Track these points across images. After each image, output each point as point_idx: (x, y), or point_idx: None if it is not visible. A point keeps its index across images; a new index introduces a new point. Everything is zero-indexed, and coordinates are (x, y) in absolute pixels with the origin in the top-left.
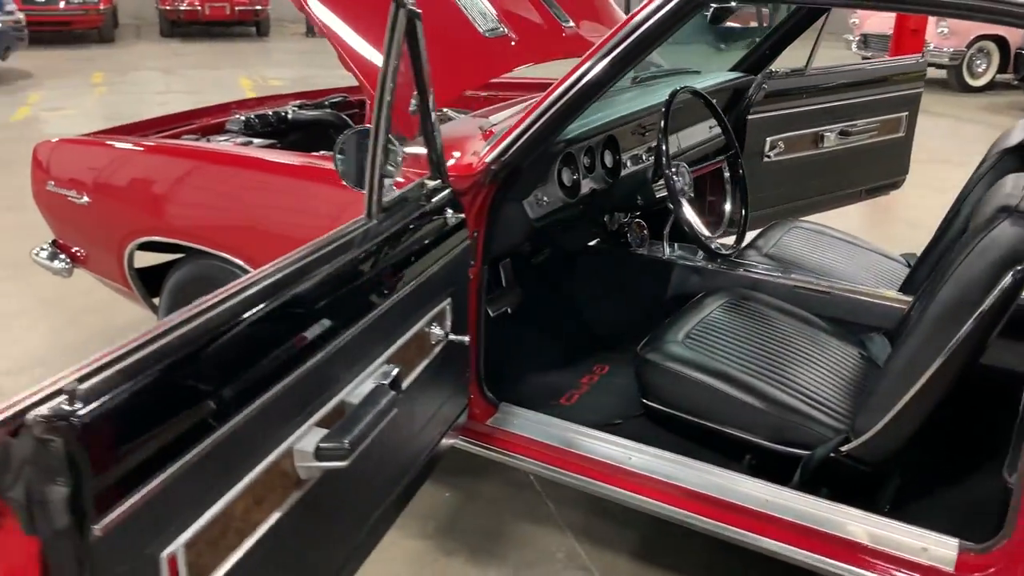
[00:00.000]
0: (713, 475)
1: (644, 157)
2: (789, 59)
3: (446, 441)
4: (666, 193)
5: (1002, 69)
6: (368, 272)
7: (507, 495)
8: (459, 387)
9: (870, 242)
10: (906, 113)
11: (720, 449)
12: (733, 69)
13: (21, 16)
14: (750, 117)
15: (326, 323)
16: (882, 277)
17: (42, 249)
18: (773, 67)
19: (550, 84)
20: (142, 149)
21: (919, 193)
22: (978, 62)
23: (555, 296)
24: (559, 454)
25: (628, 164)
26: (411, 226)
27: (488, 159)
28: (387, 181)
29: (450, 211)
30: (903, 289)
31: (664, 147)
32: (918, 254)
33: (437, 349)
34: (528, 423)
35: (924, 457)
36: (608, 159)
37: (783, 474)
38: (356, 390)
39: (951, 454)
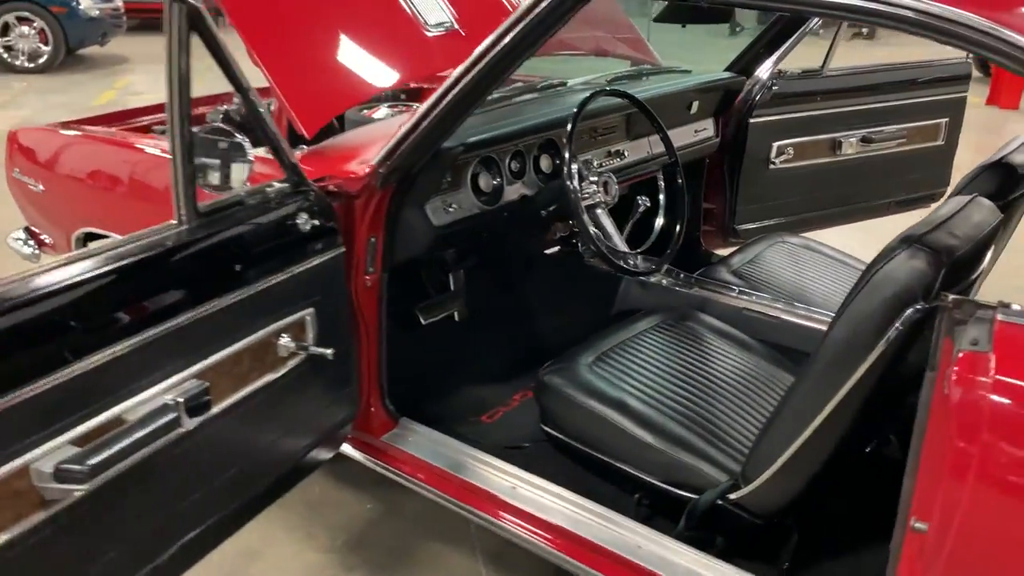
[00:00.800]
0: (594, 516)
1: (597, 163)
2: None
3: (321, 454)
4: (593, 202)
5: None
6: (162, 280)
7: (431, 512)
8: (337, 400)
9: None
10: (946, 119)
11: (616, 484)
12: (727, 69)
13: (120, 3)
14: (753, 120)
15: (95, 332)
16: None
17: (18, 234)
18: (783, 67)
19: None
20: (84, 140)
21: None
22: None
23: (505, 305)
24: (446, 479)
25: (579, 169)
26: (239, 232)
27: (374, 161)
28: (234, 181)
29: (306, 216)
30: None
31: (567, 153)
32: None
33: (294, 362)
34: (423, 442)
35: (835, 508)
36: (545, 163)
37: (677, 518)
38: (140, 407)
39: (866, 506)
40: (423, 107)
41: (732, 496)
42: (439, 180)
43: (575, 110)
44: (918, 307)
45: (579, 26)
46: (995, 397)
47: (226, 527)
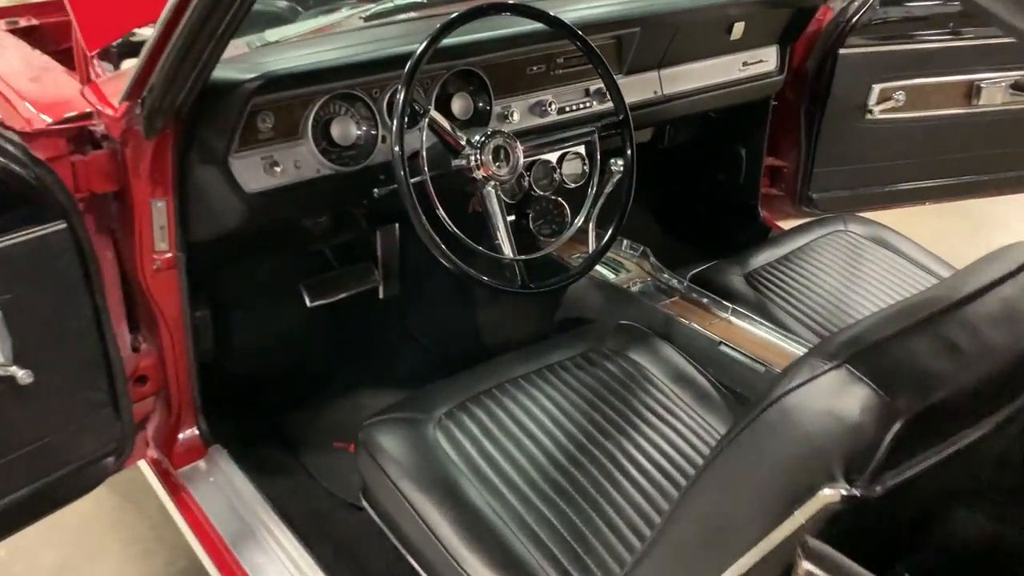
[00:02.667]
0: None
1: (517, 113)
2: None
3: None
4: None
5: None
6: None
7: None
8: (87, 423)
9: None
10: None
11: None
12: None
13: None
14: (844, 51)
15: None
16: None
17: None
18: None
19: None
20: None
21: None
22: None
23: (444, 285)
24: (219, 552)
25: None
26: None
27: (120, 99)
28: None
29: None
30: None
31: (401, 96)
32: None
33: None
34: (219, 488)
35: None
36: (460, 106)
37: None
38: None
39: None
40: (164, 12)
41: None
42: (230, 127)
43: (427, 39)
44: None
45: None
46: None
47: None
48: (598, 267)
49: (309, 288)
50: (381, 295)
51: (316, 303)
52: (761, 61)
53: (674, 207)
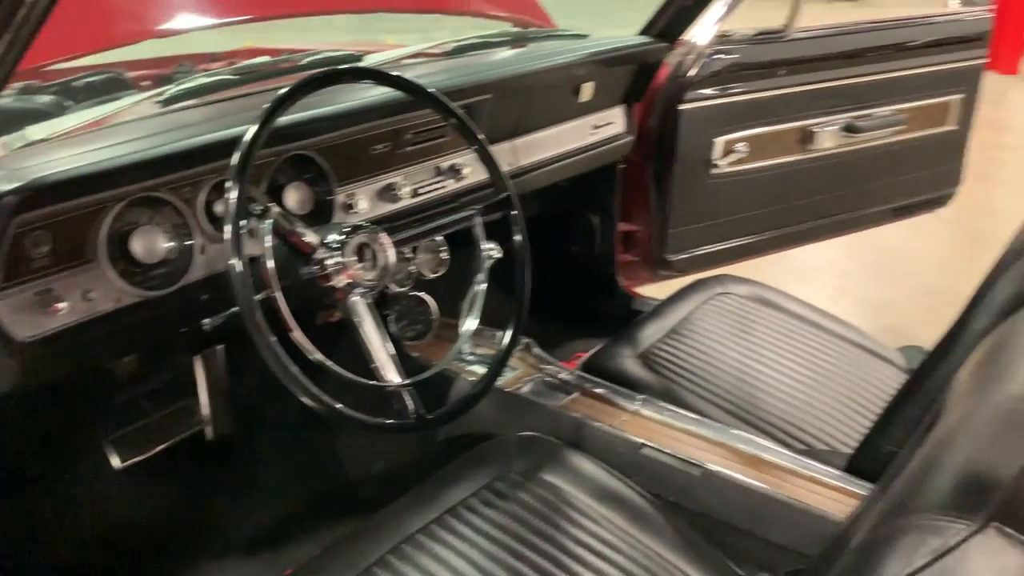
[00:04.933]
0: None
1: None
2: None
3: None
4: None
5: None
6: None
7: None
8: None
9: (850, 324)
10: (961, 95)
11: None
12: (643, 32)
13: None
14: (683, 107)
15: None
16: (838, 414)
17: None
18: (729, 28)
19: None
20: None
21: (1007, 195)
22: None
23: (285, 417)
24: None
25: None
26: None
27: None
28: None
29: None
30: (867, 449)
31: (235, 194)
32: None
33: None
34: None
35: None
36: (294, 198)
37: None
38: None
39: None
40: None
41: None
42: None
43: (261, 118)
44: None
45: None
46: None
47: None
48: (474, 370)
49: (117, 444)
50: (210, 436)
51: (128, 462)
52: (610, 123)
53: (533, 286)
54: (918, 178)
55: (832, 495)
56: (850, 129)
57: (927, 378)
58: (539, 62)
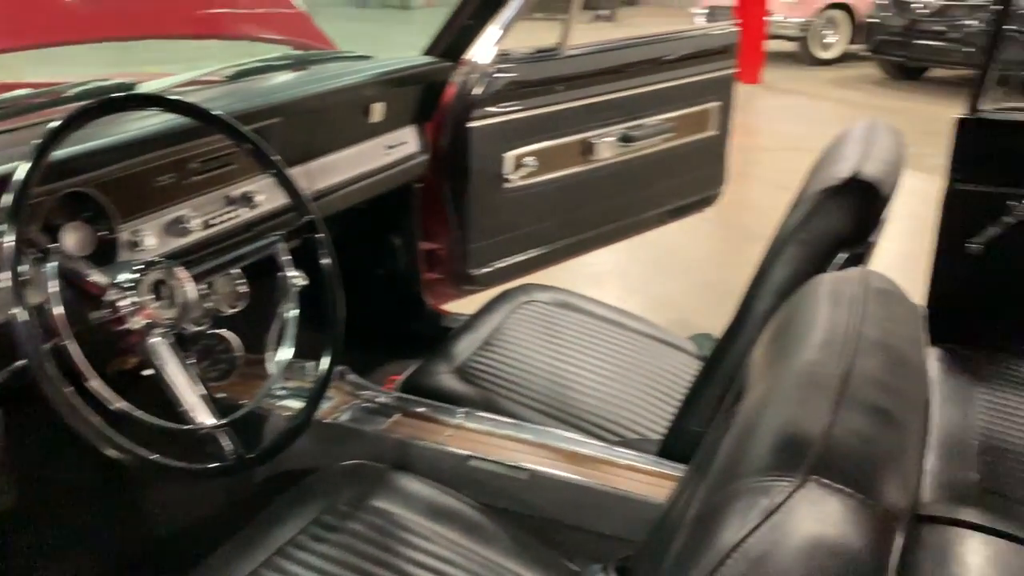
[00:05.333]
0: None
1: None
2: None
3: None
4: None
5: (853, 39)
6: None
7: None
8: None
9: (645, 320)
10: (718, 103)
11: None
12: (428, 52)
13: None
14: (472, 124)
15: None
16: (645, 403)
17: None
18: (507, 47)
19: None
20: None
21: (764, 192)
22: (827, 33)
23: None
24: None
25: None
26: None
27: None
28: None
29: None
30: (676, 432)
31: (12, 237)
32: (717, 334)
33: None
34: None
35: None
36: (73, 240)
37: None
38: None
39: None
40: None
41: None
42: None
43: (35, 153)
44: None
45: None
46: None
47: None
48: (287, 404)
49: None
50: None
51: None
52: (403, 143)
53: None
54: (688, 180)
55: (650, 480)
56: (625, 139)
57: (721, 361)
58: (328, 83)
